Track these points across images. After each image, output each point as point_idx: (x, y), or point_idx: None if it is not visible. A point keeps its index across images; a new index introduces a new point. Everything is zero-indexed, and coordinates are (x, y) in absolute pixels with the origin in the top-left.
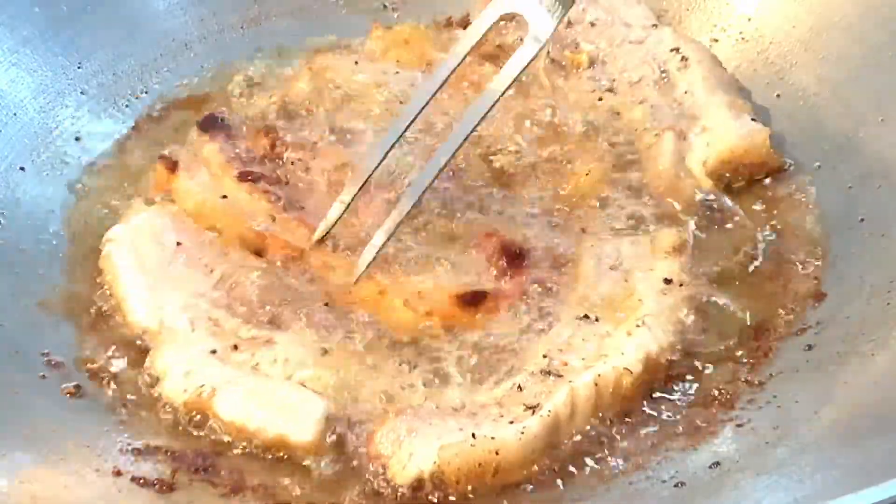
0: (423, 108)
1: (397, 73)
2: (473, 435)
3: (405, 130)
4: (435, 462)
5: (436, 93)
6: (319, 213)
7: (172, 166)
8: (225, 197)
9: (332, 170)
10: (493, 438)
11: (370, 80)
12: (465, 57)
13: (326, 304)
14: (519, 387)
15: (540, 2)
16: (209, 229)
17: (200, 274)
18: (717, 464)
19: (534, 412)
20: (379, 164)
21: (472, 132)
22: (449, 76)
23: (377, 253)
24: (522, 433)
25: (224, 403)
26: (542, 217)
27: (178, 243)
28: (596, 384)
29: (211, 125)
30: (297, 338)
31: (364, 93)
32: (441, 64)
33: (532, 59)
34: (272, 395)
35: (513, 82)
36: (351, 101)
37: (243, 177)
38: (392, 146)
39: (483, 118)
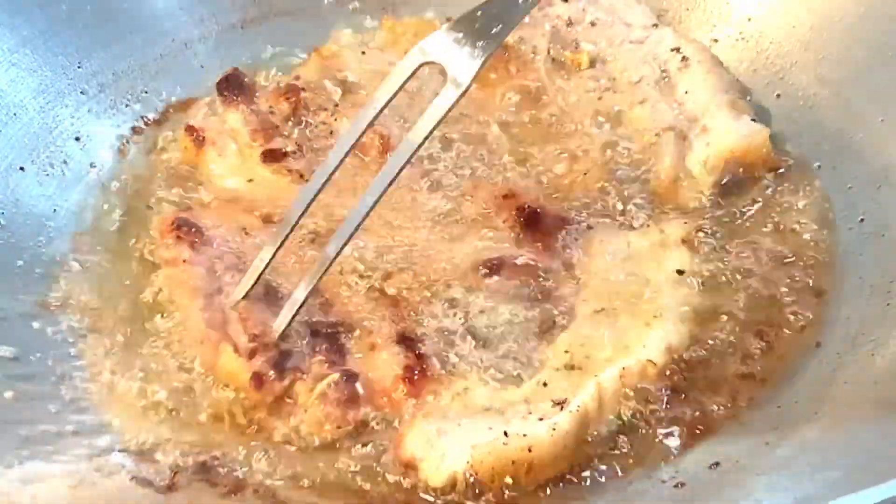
0: (340, 161)
1: None
2: (505, 433)
3: (325, 183)
4: (468, 462)
5: (350, 150)
6: (342, 183)
7: (199, 141)
8: (251, 181)
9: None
10: (524, 436)
11: (376, 70)
12: (383, 109)
13: None
14: (544, 383)
15: (459, 47)
16: (228, 204)
17: None
18: (717, 464)
19: (562, 408)
20: (302, 216)
21: (391, 183)
22: (366, 129)
23: (298, 309)
24: (554, 430)
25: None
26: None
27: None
28: (621, 377)
29: (228, 86)
30: None
31: (369, 81)
32: (358, 116)
33: (453, 105)
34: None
35: (432, 130)
36: (358, 89)
37: (267, 157)
38: (314, 197)
39: (403, 167)
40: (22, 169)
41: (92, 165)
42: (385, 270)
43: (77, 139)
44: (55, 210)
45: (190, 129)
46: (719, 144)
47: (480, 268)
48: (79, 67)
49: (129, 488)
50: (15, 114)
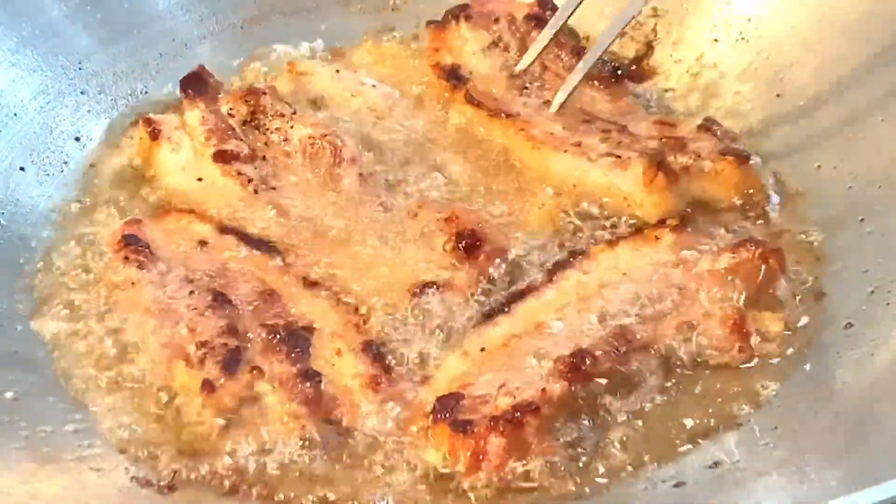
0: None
1: (374, 86)
2: None
3: None
4: None
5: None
6: (292, 192)
7: (154, 134)
8: (200, 179)
9: (311, 142)
10: None
11: (346, 90)
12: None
13: None
14: None
15: None
16: (184, 212)
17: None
18: (717, 464)
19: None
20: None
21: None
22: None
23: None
24: None
25: None
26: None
27: None
28: None
29: (193, 84)
30: None
31: (338, 100)
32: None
33: None
34: None
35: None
36: (325, 106)
37: (219, 157)
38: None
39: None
40: (22, 169)
41: (92, 165)
42: (333, 282)
43: (77, 139)
44: (55, 210)
45: (147, 121)
46: None
47: (415, 289)
48: (79, 67)
49: (129, 488)
50: (15, 114)
